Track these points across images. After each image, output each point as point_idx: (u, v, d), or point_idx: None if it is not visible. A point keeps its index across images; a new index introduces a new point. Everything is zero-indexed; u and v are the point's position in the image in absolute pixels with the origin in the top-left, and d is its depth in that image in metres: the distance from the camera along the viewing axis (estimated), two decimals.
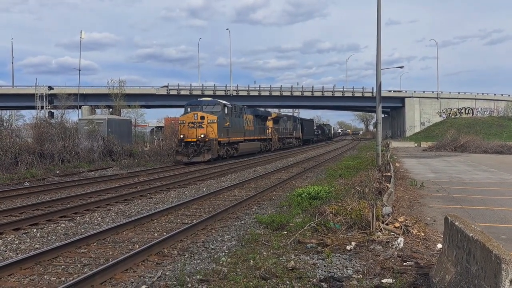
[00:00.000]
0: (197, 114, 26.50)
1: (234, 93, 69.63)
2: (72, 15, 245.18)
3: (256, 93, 71.44)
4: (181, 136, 26.23)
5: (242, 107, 33.37)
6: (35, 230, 9.01)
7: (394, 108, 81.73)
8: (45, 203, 12.21)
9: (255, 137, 35.31)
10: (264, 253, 7.01)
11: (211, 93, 67.74)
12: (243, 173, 21.17)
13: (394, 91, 78.77)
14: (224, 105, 28.39)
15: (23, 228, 9.27)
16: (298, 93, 73.00)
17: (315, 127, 76.47)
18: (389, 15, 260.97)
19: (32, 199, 13.05)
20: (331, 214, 8.79)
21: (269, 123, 40.86)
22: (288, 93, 72.60)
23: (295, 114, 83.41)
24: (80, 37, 48.41)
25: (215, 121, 26.38)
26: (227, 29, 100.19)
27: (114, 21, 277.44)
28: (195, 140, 25.83)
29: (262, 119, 38.46)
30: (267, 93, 71.84)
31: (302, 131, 58.27)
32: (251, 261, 6.48)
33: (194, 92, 65.89)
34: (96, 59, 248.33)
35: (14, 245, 7.80)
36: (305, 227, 8.28)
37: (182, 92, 67.29)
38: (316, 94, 73.64)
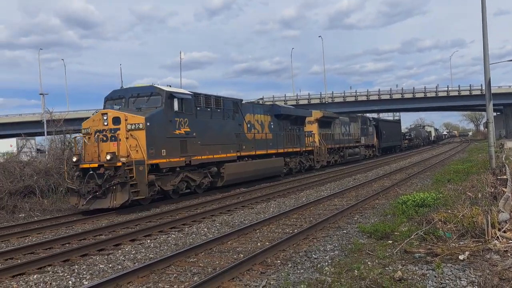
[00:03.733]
0: (107, 114, 14.25)
1: (330, 100, 69.01)
2: (174, 38, 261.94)
3: (352, 99, 70.07)
4: (74, 158, 14.44)
5: (237, 101, 19.83)
6: (149, 241, 9.68)
7: (508, 105, 74.95)
8: (157, 215, 13.09)
9: (274, 151, 21.94)
10: (368, 263, 6.82)
11: (305, 102, 67.89)
12: (342, 181, 20.83)
13: (506, 87, 72.33)
14: (172, 96, 15.25)
15: (138, 239, 10.00)
16: (398, 96, 70.15)
17: (405, 130, 66.31)
18: (498, 4, 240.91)
19: (146, 212, 14.05)
20: (440, 222, 8.30)
21: (312, 127, 28.18)
22: (387, 96, 70.09)
23: (395, 116, 79.82)
24: (180, 58, 51.43)
25: (141, 126, 14.00)
26: (320, 36, 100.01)
27: (211, 39, 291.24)
28: (97, 165, 13.69)
29: (293, 121, 24.83)
30: (364, 98, 70.08)
31: (379, 136, 44.08)
32: (356, 271, 6.34)
33: (289, 103, 66.47)
34: (196, 77, 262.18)
35: (131, 255, 8.45)
36: (412, 236, 7.90)
37: (277, 103, 68.24)
38: (417, 95, 70.16)
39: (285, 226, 10.55)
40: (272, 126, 22.52)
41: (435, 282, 5.69)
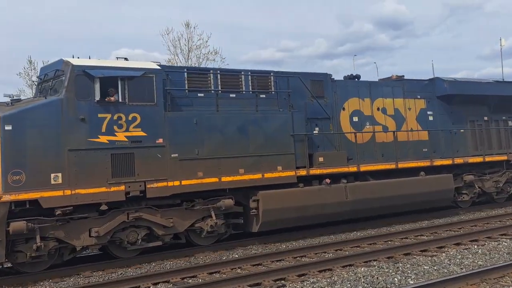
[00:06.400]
0: None
1: None
2: (491, 24, 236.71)
3: None
4: None
5: (316, 77, 11.66)
6: (476, 247, 8.92)
7: None
8: (482, 219, 12.07)
9: (425, 163, 12.50)
10: None
11: None
12: None
13: None
14: (87, 74, 8.70)
15: (463, 243, 9.37)
16: None
17: None
18: None
19: (469, 216, 13.03)
20: None
21: None
22: None
23: None
24: (500, 45, 45.90)
25: None
26: None
27: None
28: None
29: (494, 106, 14.51)
30: None
31: None
32: None
33: None
34: None
35: (457, 260, 7.93)
36: None
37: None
38: None
39: None
40: (431, 118, 13.29)
41: None
